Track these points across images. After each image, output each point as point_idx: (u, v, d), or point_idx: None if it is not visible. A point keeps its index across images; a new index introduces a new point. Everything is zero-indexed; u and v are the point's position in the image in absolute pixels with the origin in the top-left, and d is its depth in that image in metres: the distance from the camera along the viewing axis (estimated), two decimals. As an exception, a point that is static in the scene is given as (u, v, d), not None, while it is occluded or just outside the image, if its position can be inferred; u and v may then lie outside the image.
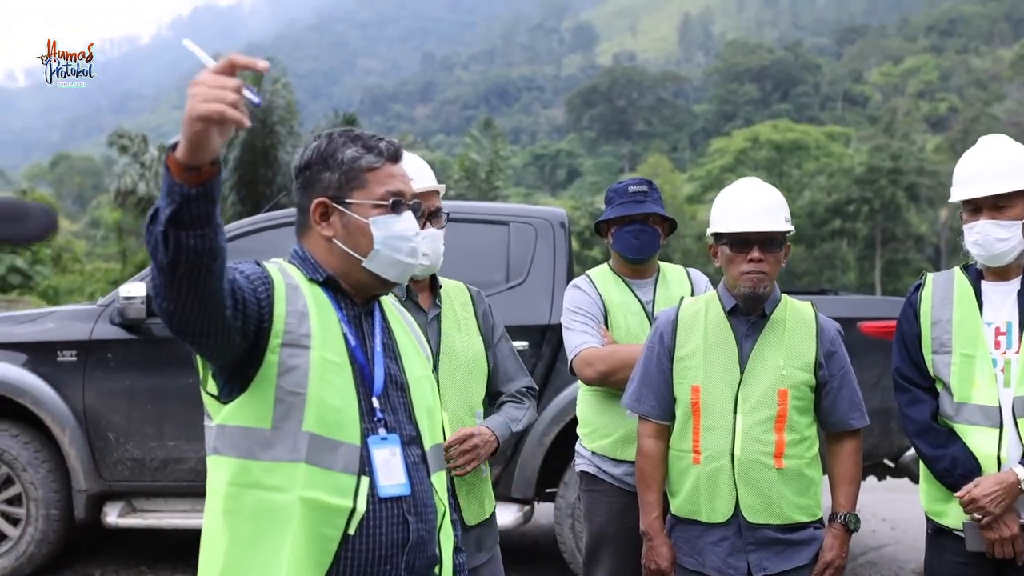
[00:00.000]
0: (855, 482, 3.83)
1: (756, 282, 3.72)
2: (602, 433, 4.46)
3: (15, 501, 6.89)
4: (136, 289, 6.63)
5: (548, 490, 6.90)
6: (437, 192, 3.75)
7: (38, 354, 6.88)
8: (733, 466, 3.70)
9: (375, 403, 2.58)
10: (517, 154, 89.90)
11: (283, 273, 2.56)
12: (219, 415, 2.51)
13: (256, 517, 2.42)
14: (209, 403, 2.55)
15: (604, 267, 4.69)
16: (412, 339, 2.82)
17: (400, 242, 2.64)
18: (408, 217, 2.66)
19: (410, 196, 2.70)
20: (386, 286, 2.69)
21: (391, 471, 2.53)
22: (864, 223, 59.15)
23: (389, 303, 2.84)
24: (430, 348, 3.31)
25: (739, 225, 3.74)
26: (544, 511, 8.16)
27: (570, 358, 4.44)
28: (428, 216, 3.63)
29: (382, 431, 2.56)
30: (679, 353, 3.86)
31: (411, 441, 2.62)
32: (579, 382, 4.58)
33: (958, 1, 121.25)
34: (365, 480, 2.48)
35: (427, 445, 2.68)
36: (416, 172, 3.62)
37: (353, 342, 2.59)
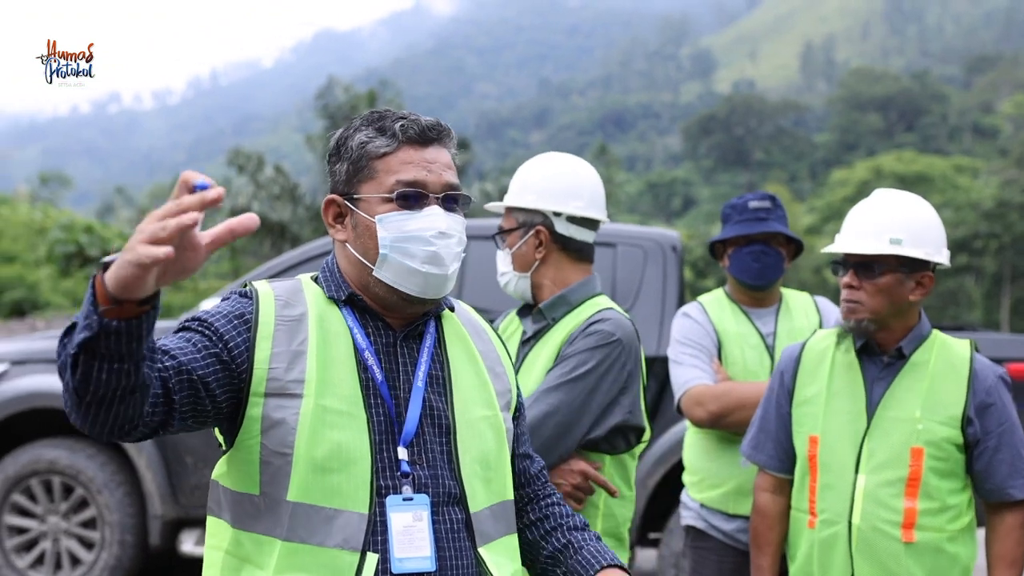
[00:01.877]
0: (1017, 564, 3.14)
1: (848, 311, 3.16)
2: (712, 483, 3.93)
3: (90, 525, 6.62)
4: (218, 306, 6.29)
5: (651, 535, 6.38)
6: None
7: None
8: (851, 534, 3.11)
9: (402, 453, 2.06)
10: (632, 182, 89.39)
11: (283, 301, 2.09)
12: (216, 468, 2.08)
13: None
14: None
15: (719, 293, 4.16)
16: (480, 367, 2.27)
17: (413, 245, 2.11)
18: (429, 214, 2.13)
19: (439, 187, 2.16)
20: (413, 303, 2.15)
21: (411, 541, 2.02)
22: (992, 259, 57.20)
23: (456, 318, 2.30)
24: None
25: (837, 244, 3.21)
26: (646, 557, 7.61)
27: (677, 396, 3.92)
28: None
29: (407, 489, 2.05)
30: (799, 396, 3.30)
31: (451, 501, 2.10)
32: (687, 423, 4.06)
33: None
34: (373, 557, 1.98)
35: (477, 506, 2.13)
36: None
37: (379, 377, 2.09)
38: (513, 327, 3.30)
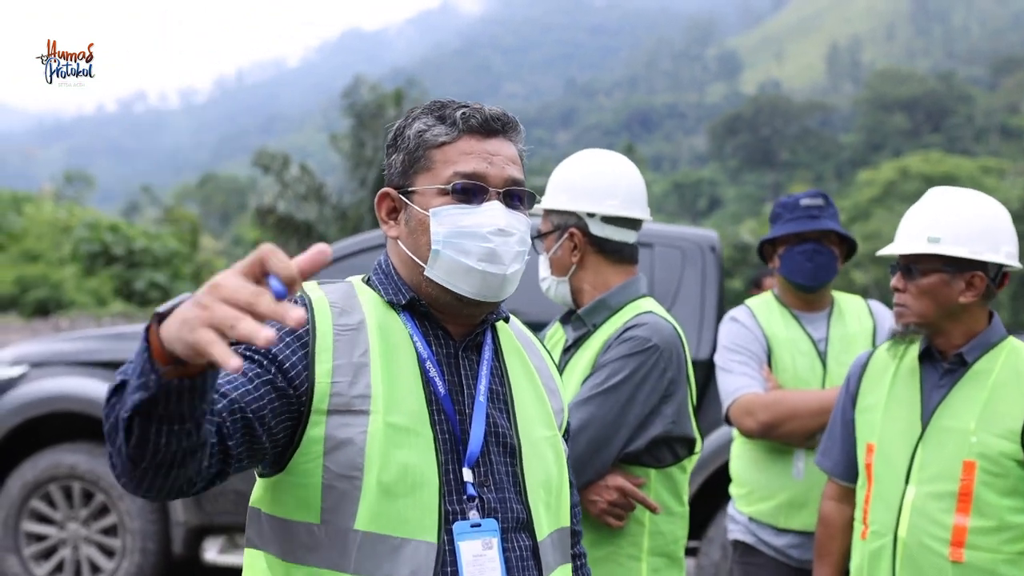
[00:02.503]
0: None
1: (896, 315, 2.99)
2: (761, 495, 3.74)
3: (111, 532, 6.46)
4: (243, 307, 6.13)
5: (689, 543, 6.18)
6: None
7: (140, 374, 6.43)
8: (895, 548, 2.90)
9: (467, 475, 1.87)
10: (658, 182, 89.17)
11: (339, 309, 1.89)
12: (255, 493, 1.87)
13: None
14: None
15: (767, 297, 3.96)
16: (537, 384, 2.09)
17: (469, 241, 1.91)
18: (488, 209, 1.94)
19: (501, 181, 1.97)
20: (469, 305, 1.96)
21: (481, 571, 1.83)
22: (1020, 260, 56.83)
23: (510, 330, 2.12)
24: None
25: (888, 246, 3.03)
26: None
27: (725, 405, 3.72)
28: None
29: (474, 514, 1.85)
30: (861, 403, 3.13)
31: (518, 527, 1.92)
32: (732, 431, 3.87)
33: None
34: None
35: (542, 533, 1.95)
36: None
37: (442, 390, 1.90)
38: (557, 336, 3.12)
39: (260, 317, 1.33)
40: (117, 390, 1.52)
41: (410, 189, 1.97)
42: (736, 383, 3.70)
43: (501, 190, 1.97)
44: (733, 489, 3.89)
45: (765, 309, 3.89)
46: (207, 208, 74.08)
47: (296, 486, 1.81)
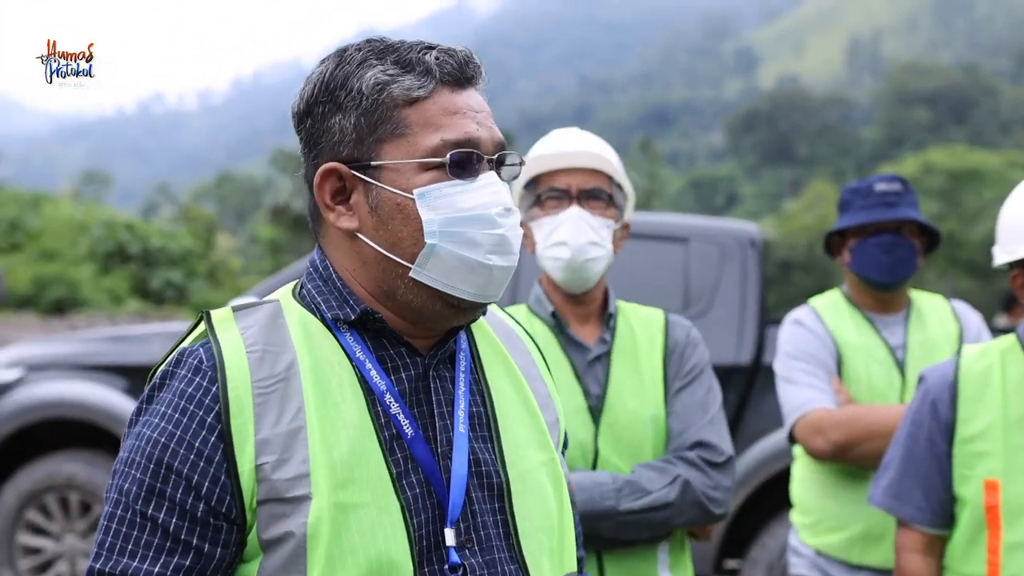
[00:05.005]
0: None
1: None
2: (831, 525, 3.27)
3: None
4: (249, 308, 5.75)
5: (729, 565, 5.76)
6: (602, 174, 2.60)
7: (141, 379, 6.06)
8: None
9: (448, 537, 1.41)
10: (675, 179, 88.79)
11: (258, 352, 1.43)
12: None
13: None
14: None
15: (835, 296, 3.50)
16: (527, 395, 1.61)
17: (474, 228, 1.46)
18: (487, 183, 1.47)
19: (492, 146, 1.49)
20: (461, 313, 1.49)
21: None
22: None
23: (486, 324, 1.64)
24: (586, 400, 2.32)
25: None
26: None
27: (790, 421, 3.26)
28: (578, 197, 2.56)
29: None
30: (964, 431, 2.58)
31: None
32: (793, 447, 3.43)
33: None
34: None
35: None
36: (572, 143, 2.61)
37: (410, 432, 1.43)
38: (544, 338, 2.60)
39: None
40: None
41: (374, 163, 1.49)
42: (802, 396, 3.23)
43: (493, 157, 1.52)
44: (796, 517, 3.43)
45: (833, 310, 3.42)
46: (223, 207, 74.02)
47: None
